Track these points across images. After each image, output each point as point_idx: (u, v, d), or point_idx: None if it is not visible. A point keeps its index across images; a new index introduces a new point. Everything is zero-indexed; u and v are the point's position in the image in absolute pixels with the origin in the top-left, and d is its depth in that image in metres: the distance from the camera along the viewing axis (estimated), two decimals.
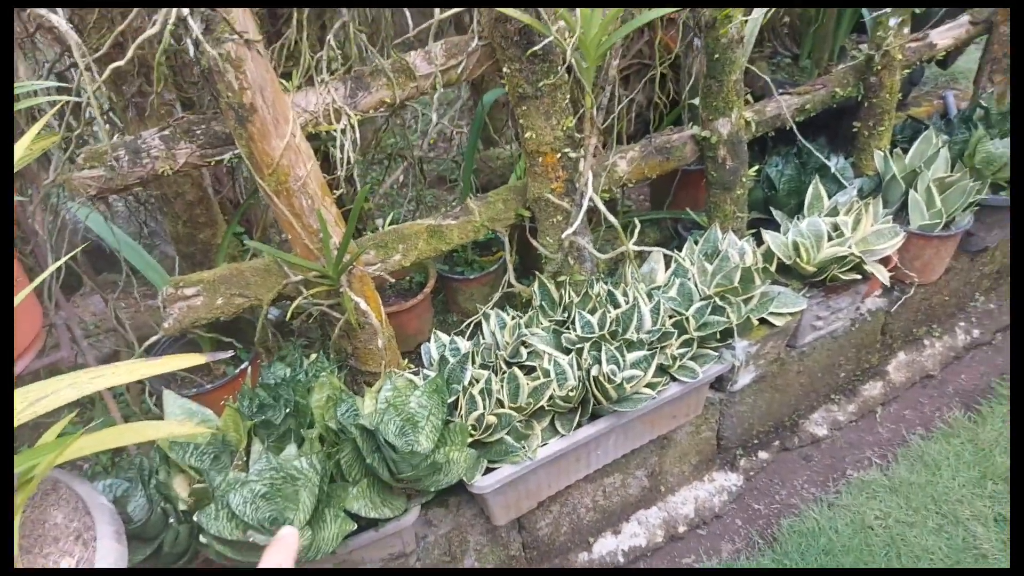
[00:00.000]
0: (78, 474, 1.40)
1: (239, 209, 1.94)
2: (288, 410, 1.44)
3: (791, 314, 1.96)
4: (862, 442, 2.34)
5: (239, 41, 1.39)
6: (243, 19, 1.40)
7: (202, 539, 1.30)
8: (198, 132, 1.56)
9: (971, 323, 2.59)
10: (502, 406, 1.62)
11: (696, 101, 2.49)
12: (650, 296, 1.87)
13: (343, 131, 1.65)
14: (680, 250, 2.14)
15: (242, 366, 1.86)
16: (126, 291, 2.55)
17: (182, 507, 1.43)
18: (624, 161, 2.12)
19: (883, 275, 2.04)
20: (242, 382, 1.65)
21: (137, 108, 1.93)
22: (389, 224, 2.03)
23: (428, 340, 2.32)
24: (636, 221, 2.01)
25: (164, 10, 1.26)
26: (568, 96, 1.81)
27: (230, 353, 1.15)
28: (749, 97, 2.53)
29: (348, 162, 1.67)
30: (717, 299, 1.86)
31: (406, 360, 1.90)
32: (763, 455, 2.29)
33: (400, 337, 2.24)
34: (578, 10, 1.57)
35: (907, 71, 2.42)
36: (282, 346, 1.89)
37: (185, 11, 1.26)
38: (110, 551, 1.23)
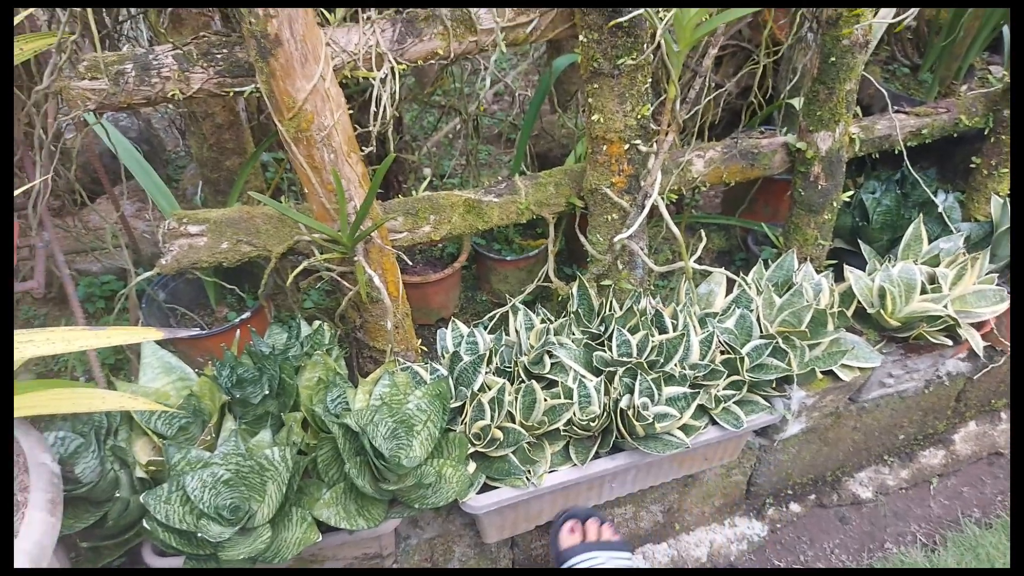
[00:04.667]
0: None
1: (260, 145, 1.74)
2: (269, 390, 1.27)
3: (861, 369, 1.70)
4: (909, 514, 2.09)
5: None
6: None
7: (145, 523, 1.14)
8: (218, 56, 1.36)
9: None
10: (512, 420, 1.42)
11: (795, 102, 2.20)
12: (702, 323, 1.63)
13: (383, 81, 1.43)
14: (747, 269, 1.89)
15: (242, 316, 1.69)
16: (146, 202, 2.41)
17: (139, 474, 1.28)
18: (701, 161, 1.86)
19: (978, 344, 1.75)
20: (231, 340, 1.48)
21: (173, 15, 1.74)
22: (425, 187, 1.81)
23: (451, 315, 2.14)
24: (702, 233, 1.76)
25: None
26: (649, 79, 1.55)
27: (193, 331, 0.97)
28: (857, 109, 2.22)
29: (384, 117, 1.45)
30: (780, 340, 1.61)
31: (419, 340, 1.71)
32: (795, 508, 2.05)
33: (422, 310, 2.06)
34: None
35: None
36: (293, 299, 1.71)
37: None
38: (37, 524, 1.08)
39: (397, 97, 1.50)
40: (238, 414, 1.28)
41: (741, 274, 1.81)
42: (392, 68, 1.43)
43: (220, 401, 1.28)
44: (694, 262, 1.73)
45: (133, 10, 2.18)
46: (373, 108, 1.45)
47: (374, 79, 1.42)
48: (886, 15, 1.94)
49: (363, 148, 1.50)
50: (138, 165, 1.67)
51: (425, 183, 2.04)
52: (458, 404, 1.42)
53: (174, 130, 2.71)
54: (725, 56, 2.70)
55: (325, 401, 1.30)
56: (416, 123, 3.38)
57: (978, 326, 1.83)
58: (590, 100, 1.57)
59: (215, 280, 1.74)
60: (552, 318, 1.68)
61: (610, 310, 1.63)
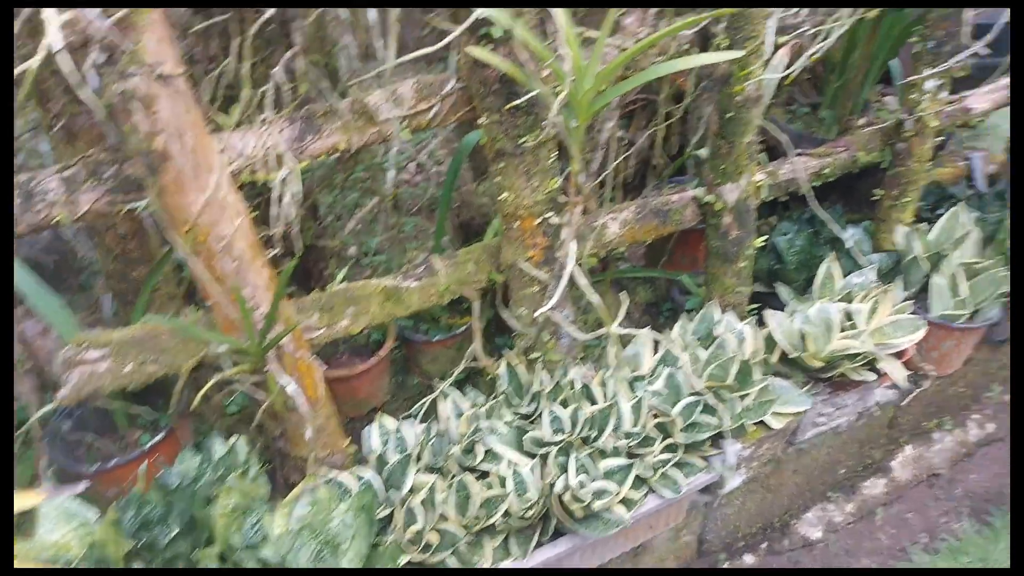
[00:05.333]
0: None
1: (163, 256, 1.68)
2: (180, 528, 1.19)
3: (793, 414, 1.72)
4: (859, 549, 2.10)
5: (151, 76, 1.14)
6: (158, 48, 1.15)
7: None
8: (107, 175, 1.31)
9: (986, 416, 2.35)
10: (446, 520, 1.38)
11: (702, 152, 2.25)
12: (632, 387, 1.62)
13: (284, 181, 1.40)
14: (675, 318, 1.90)
15: (154, 439, 1.60)
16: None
17: None
18: (616, 223, 1.87)
19: (899, 374, 1.80)
20: (135, 473, 1.39)
21: (65, 129, 1.67)
22: (351, 267, 1.78)
23: (382, 405, 2.09)
24: (624, 296, 1.77)
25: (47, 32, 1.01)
26: (555, 153, 1.57)
27: (80, 487, 0.90)
28: (763, 155, 2.29)
29: (288, 217, 1.42)
30: (710, 395, 1.62)
31: (348, 439, 1.65)
32: (749, 559, 2.04)
33: (350, 402, 2.00)
34: (569, 60, 1.32)
35: (939, 138, 2.17)
36: (209, 414, 1.64)
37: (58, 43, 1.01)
38: None
39: (302, 193, 1.47)
40: (147, 559, 1.20)
41: (666, 331, 1.82)
42: (292, 169, 1.40)
43: (126, 547, 1.19)
44: (618, 325, 1.73)
45: (31, 120, 2.10)
46: (274, 210, 1.41)
47: (272, 182, 1.39)
48: (777, 67, 2.01)
49: (273, 248, 1.46)
50: (32, 286, 1.58)
51: (343, 272, 2.01)
52: (388, 511, 1.37)
53: (84, 236, 2.61)
54: (636, 110, 2.77)
55: (242, 530, 1.22)
56: (339, 201, 3.35)
57: (899, 355, 1.87)
58: (498, 179, 1.57)
59: (123, 404, 1.65)
60: (484, 398, 1.65)
61: (540, 385, 1.61)
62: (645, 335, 1.78)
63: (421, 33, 2.00)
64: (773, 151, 2.42)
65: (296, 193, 1.41)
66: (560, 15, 1.23)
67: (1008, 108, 2.50)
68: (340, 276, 1.78)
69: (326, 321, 1.58)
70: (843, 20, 1.66)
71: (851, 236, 2.12)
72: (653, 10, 1.66)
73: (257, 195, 1.82)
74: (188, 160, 1.23)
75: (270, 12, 1.37)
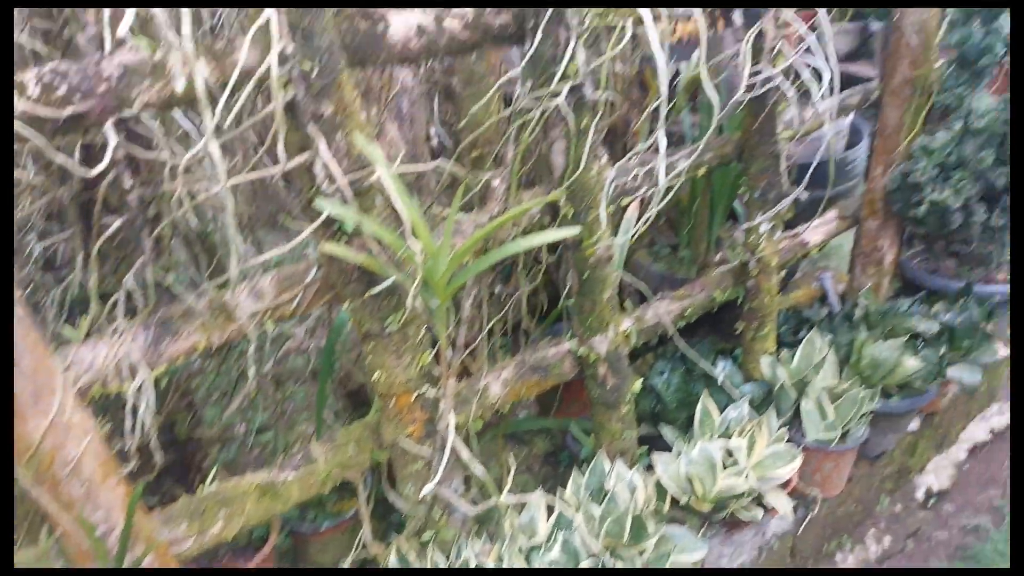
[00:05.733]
0: None
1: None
2: None
3: (692, 563, 1.71)
4: None
5: None
6: None
7: None
8: None
9: (880, 529, 2.42)
10: None
11: (572, 303, 2.35)
12: (529, 559, 1.58)
13: (138, 391, 1.35)
14: (572, 465, 1.90)
15: None
16: None
17: None
18: (498, 383, 1.89)
19: (785, 506, 1.84)
20: None
21: None
22: (236, 451, 1.68)
23: None
24: (511, 461, 1.76)
25: None
26: (424, 329, 1.59)
27: None
28: (630, 301, 2.41)
29: (144, 428, 1.35)
30: (607, 555, 1.59)
31: None
32: None
33: None
34: (420, 244, 1.38)
35: (783, 271, 2.37)
36: None
37: None
38: None
39: (173, 385, 1.42)
40: None
41: (559, 490, 1.80)
42: (146, 378, 1.36)
43: None
44: (509, 490, 1.71)
45: None
46: (129, 422, 1.35)
47: (125, 394, 1.33)
48: (629, 221, 2.17)
49: (130, 461, 1.38)
50: None
51: (214, 471, 1.91)
52: None
53: None
54: (516, 262, 2.89)
55: None
56: (224, 376, 3.24)
57: (784, 484, 1.92)
58: (369, 358, 1.57)
59: None
60: None
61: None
62: (537, 499, 1.76)
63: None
64: (642, 293, 2.56)
65: (151, 402, 1.35)
66: (404, 209, 1.30)
67: (841, 235, 2.80)
68: (212, 475, 1.68)
69: (196, 529, 1.48)
70: (671, 182, 1.82)
71: (722, 370, 2.22)
72: (504, 186, 1.78)
73: (112, 404, 1.74)
74: (26, 386, 1.17)
75: (116, 224, 1.38)
